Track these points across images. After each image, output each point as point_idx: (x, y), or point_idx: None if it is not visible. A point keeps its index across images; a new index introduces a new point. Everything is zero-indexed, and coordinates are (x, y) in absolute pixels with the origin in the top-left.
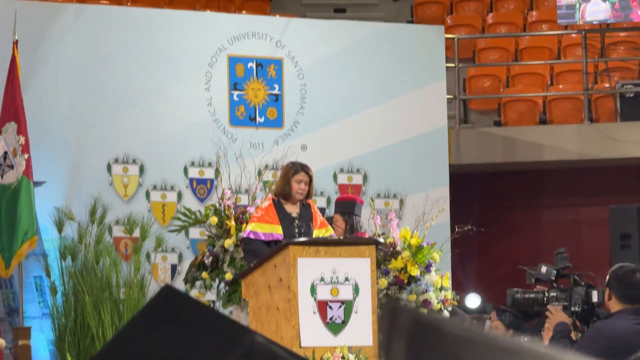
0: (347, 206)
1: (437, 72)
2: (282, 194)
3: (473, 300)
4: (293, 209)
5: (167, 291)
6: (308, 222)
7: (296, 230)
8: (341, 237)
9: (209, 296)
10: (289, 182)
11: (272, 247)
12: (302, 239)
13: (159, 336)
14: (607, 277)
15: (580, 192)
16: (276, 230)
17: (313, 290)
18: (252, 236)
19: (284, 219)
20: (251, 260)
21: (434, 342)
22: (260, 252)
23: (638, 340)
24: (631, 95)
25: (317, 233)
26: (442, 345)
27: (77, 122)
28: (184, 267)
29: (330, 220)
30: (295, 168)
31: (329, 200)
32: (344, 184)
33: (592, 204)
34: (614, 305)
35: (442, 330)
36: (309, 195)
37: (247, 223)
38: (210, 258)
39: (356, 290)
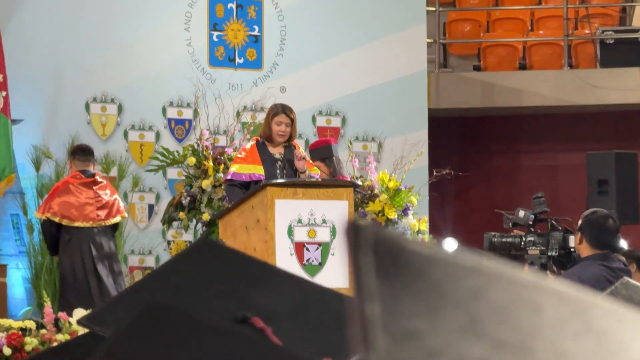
0: (325, 151)
1: (417, 15)
2: (265, 136)
3: (450, 245)
4: (276, 151)
5: (205, 243)
6: (291, 164)
7: (278, 171)
8: (319, 180)
9: (186, 237)
10: (270, 124)
11: (252, 188)
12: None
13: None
14: (580, 221)
15: (558, 138)
16: (257, 171)
17: (290, 231)
18: (234, 178)
19: (266, 159)
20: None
21: (399, 260)
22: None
23: (599, 286)
24: (611, 41)
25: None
26: (407, 263)
27: (56, 60)
28: (162, 207)
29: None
30: (276, 110)
31: (307, 143)
32: (322, 127)
33: (570, 150)
34: (584, 250)
35: (405, 248)
36: (291, 137)
37: (224, 164)
38: (188, 198)
39: (333, 232)
